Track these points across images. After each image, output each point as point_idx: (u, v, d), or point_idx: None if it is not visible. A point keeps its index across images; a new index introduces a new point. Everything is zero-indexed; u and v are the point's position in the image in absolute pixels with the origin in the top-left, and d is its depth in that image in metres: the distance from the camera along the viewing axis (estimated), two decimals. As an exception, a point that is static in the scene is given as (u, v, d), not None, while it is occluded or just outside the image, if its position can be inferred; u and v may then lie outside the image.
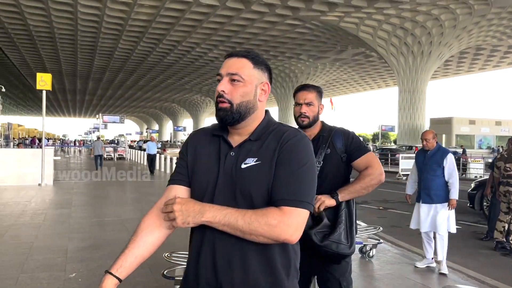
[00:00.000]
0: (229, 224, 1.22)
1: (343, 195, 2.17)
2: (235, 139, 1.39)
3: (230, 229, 1.23)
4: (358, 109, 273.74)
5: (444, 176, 4.64)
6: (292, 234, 1.23)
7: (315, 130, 2.35)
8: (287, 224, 1.22)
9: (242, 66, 1.37)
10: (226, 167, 1.34)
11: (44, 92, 12.31)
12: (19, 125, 40.34)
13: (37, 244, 5.38)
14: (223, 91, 1.35)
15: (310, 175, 1.30)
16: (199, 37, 28.56)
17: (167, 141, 59.11)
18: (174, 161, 18.67)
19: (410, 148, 26.56)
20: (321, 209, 2.12)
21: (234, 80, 1.35)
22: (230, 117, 1.35)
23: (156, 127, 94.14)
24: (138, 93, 57.53)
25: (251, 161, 1.32)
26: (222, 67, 1.40)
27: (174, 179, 1.46)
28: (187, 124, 77.74)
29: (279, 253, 1.30)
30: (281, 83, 38.76)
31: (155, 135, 47.33)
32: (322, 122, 2.41)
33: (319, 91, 2.35)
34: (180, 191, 1.42)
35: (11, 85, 44.92)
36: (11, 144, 31.02)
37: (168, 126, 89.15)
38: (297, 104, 2.34)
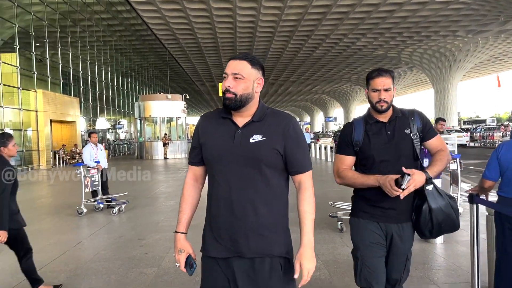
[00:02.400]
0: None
1: (431, 173, 2.23)
2: (239, 120, 1.82)
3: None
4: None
5: None
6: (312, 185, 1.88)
7: (389, 112, 2.40)
8: (311, 184, 1.86)
9: (243, 67, 1.79)
10: (236, 142, 1.77)
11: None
12: (193, 125, 46.83)
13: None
14: (229, 86, 1.78)
15: (307, 146, 1.91)
16: (346, 28, 29.03)
17: (319, 131, 60.75)
18: (328, 149, 19.85)
19: None
20: (416, 187, 2.15)
21: (236, 77, 1.78)
22: (234, 105, 1.78)
23: (307, 119, 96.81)
24: (290, 87, 60.41)
25: (258, 137, 1.76)
26: (227, 68, 1.81)
27: (192, 161, 1.96)
28: (338, 114, 78.13)
29: (278, 208, 1.83)
30: (436, 63, 36.37)
31: (308, 127, 49.28)
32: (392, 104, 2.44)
33: (393, 76, 2.40)
34: (198, 170, 1.95)
35: (185, 90, 52.14)
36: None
37: (319, 117, 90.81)
38: (375, 90, 2.35)
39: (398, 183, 2.13)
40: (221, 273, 1.80)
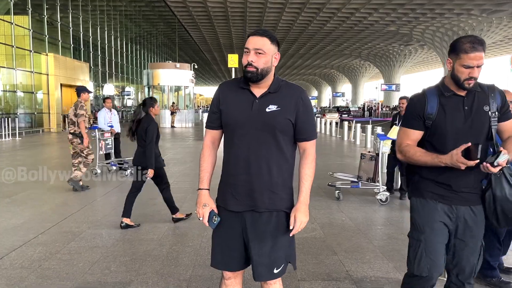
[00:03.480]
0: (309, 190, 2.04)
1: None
2: (256, 91, 2.00)
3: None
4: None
5: None
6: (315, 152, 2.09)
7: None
8: (314, 151, 2.07)
9: (264, 43, 1.94)
10: (254, 110, 1.96)
11: (233, 69, 15.60)
12: (200, 95, 47.01)
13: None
14: (252, 60, 1.93)
15: (314, 117, 2.10)
16: (359, 2, 28.74)
17: (326, 106, 60.70)
18: (333, 124, 20.13)
19: None
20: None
21: (259, 53, 1.94)
22: (255, 78, 1.94)
23: (315, 93, 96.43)
24: (299, 61, 60.08)
25: (273, 107, 1.96)
26: (249, 43, 1.95)
27: (211, 125, 2.11)
28: (346, 90, 77.77)
29: (287, 170, 2.04)
30: (447, 42, 35.97)
31: (314, 101, 49.31)
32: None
33: (485, 48, 2.16)
34: (216, 134, 2.12)
35: (193, 60, 52.06)
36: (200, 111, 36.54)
37: (327, 92, 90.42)
38: (467, 66, 2.09)
39: (469, 155, 1.98)
40: (236, 222, 2.03)
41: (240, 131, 1.98)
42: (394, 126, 6.50)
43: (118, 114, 9.61)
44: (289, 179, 2.06)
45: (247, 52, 1.97)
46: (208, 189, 2.09)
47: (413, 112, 2.25)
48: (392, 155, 6.48)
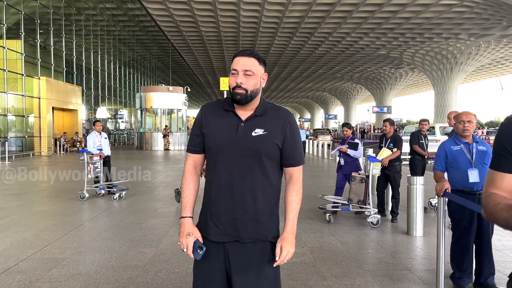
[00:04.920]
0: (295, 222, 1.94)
1: None
2: (241, 114, 1.91)
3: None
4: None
5: None
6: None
7: None
8: (301, 177, 1.99)
9: (252, 64, 1.87)
10: (239, 134, 1.87)
11: (225, 92, 15.56)
12: (193, 118, 47.13)
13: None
14: (241, 82, 1.84)
15: (301, 142, 2.02)
16: (349, 27, 29.24)
17: (318, 128, 61.04)
18: (325, 147, 20.17)
19: None
20: None
21: (247, 74, 1.86)
22: (244, 100, 1.86)
23: (308, 115, 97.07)
24: (291, 84, 60.58)
25: (259, 131, 1.87)
26: (236, 64, 1.87)
27: (192, 149, 2.00)
28: (338, 112, 78.36)
29: (273, 198, 1.95)
30: (437, 65, 36.62)
31: (307, 124, 49.58)
32: None
33: None
34: (198, 158, 2.01)
35: (186, 83, 52.35)
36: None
37: (320, 114, 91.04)
38: None
39: None
40: (218, 253, 1.91)
41: (223, 156, 1.89)
42: (383, 148, 6.51)
43: (110, 136, 9.50)
44: (275, 206, 1.97)
45: (235, 73, 1.87)
46: (192, 217, 1.95)
47: (506, 146, 1.35)
48: (382, 177, 6.46)
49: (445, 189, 3.42)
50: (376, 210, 6.22)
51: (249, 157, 1.86)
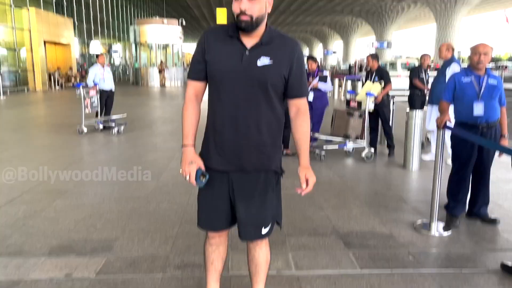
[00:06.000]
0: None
1: None
2: (246, 41, 1.81)
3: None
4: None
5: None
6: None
7: None
8: (307, 109, 1.95)
9: None
10: (244, 63, 1.78)
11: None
12: (189, 53, 46.02)
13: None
14: (246, 9, 1.73)
15: (305, 73, 1.98)
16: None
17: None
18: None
19: None
20: None
21: None
22: (250, 27, 1.76)
23: (307, 51, 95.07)
24: (290, 17, 58.60)
25: (265, 61, 1.78)
26: None
27: (194, 76, 1.92)
28: (337, 47, 76.69)
29: (277, 129, 1.92)
30: (441, -2, 35.33)
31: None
32: None
33: None
34: (199, 86, 1.93)
35: (181, 16, 50.41)
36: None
37: (319, 49, 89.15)
38: None
39: None
40: (222, 182, 1.92)
41: (227, 85, 1.82)
42: (367, 82, 6.50)
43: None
44: (278, 137, 1.95)
45: None
46: (194, 146, 1.92)
47: None
48: (373, 113, 6.37)
49: (445, 122, 3.42)
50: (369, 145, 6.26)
51: (253, 87, 1.80)
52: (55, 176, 5.13)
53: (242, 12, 1.74)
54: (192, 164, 1.87)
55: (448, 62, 5.90)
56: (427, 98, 7.07)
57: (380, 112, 6.39)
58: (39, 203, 4.14)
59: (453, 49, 6.01)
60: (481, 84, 3.55)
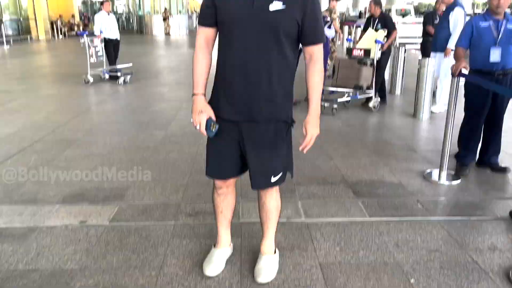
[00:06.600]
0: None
1: None
2: None
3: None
4: None
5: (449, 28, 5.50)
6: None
7: None
8: (321, 57, 1.87)
9: None
10: (255, 7, 1.70)
11: None
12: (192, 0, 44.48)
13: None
14: None
15: (321, 18, 1.89)
16: None
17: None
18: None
19: None
20: None
21: None
22: None
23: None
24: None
25: (278, 5, 1.69)
26: None
27: (204, 22, 1.85)
28: (347, -7, 73.61)
29: (289, 78, 1.88)
30: None
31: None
32: None
33: None
34: (210, 32, 1.86)
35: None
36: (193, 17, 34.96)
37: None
38: None
39: None
40: (232, 131, 1.90)
41: (237, 32, 1.75)
42: (370, 29, 6.19)
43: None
44: (290, 87, 1.90)
45: None
46: (205, 94, 1.88)
47: None
48: (378, 62, 6.14)
49: (460, 69, 3.31)
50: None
51: (265, 33, 1.73)
52: (64, 126, 5.15)
53: None
54: (202, 113, 1.84)
55: (450, 7, 5.63)
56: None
57: (380, 58, 6.12)
58: (50, 152, 4.18)
59: None
60: (499, 29, 3.40)
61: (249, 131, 1.89)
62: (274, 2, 1.70)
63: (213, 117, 1.86)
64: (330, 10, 7.97)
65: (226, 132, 1.90)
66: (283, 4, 1.70)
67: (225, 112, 1.87)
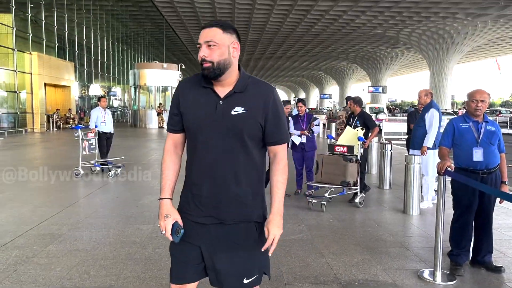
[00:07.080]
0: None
1: None
2: (219, 90, 1.78)
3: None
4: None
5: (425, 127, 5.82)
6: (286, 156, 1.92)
7: None
8: (285, 155, 1.89)
9: (214, 34, 1.73)
10: (218, 113, 1.75)
11: None
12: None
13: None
14: (204, 55, 1.73)
15: (284, 119, 1.90)
16: (346, 5, 28.81)
17: (314, 108, 60.92)
18: (321, 126, 20.09)
19: None
20: None
21: (210, 45, 1.72)
22: (213, 73, 1.73)
23: (303, 95, 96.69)
24: (287, 63, 60.07)
25: (239, 110, 1.75)
26: (200, 38, 1.75)
27: (172, 129, 1.90)
28: (333, 91, 78.10)
29: (257, 178, 1.86)
30: (433, 45, 36.38)
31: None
32: None
33: None
34: (178, 138, 1.91)
35: (181, 60, 51.64)
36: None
37: (315, 94, 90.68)
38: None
39: None
40: (199, 233, 1.84)
41: (203, 136, 1.78)
42: (348, 127, 6.40)
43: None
44: (259, 186, 1.88)
45: (199, 47, 1.76)
46: (171, 199, 1.86)
47: None
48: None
49: (446, 167, 3.41)
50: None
51: (230, 137, 1.76)
52: (49, 219, 5.03)
53: (203, 59, 1.74)
54: (168, 218, 1.82)
55: (427, 107, 5.97)
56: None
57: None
58: (32, 248, 4.03)
59: (431, 95, 6.13)
60: (479, 130, 3.57)
61: (218, 234, 1.83)
62: (235, 107, 1.75)
63: (180, 221, 1.83)
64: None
65: (192, 234, 1.84)
66: (245, 109, 1.76)
67: (194, 215, 1.84)
